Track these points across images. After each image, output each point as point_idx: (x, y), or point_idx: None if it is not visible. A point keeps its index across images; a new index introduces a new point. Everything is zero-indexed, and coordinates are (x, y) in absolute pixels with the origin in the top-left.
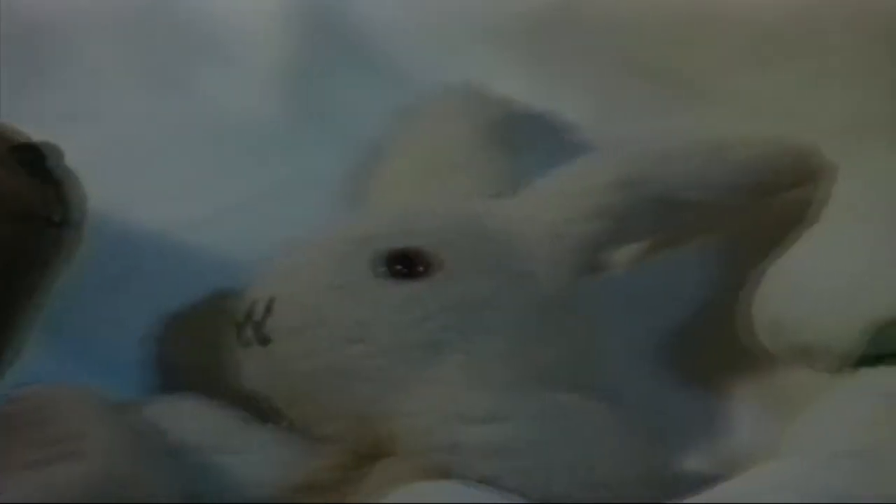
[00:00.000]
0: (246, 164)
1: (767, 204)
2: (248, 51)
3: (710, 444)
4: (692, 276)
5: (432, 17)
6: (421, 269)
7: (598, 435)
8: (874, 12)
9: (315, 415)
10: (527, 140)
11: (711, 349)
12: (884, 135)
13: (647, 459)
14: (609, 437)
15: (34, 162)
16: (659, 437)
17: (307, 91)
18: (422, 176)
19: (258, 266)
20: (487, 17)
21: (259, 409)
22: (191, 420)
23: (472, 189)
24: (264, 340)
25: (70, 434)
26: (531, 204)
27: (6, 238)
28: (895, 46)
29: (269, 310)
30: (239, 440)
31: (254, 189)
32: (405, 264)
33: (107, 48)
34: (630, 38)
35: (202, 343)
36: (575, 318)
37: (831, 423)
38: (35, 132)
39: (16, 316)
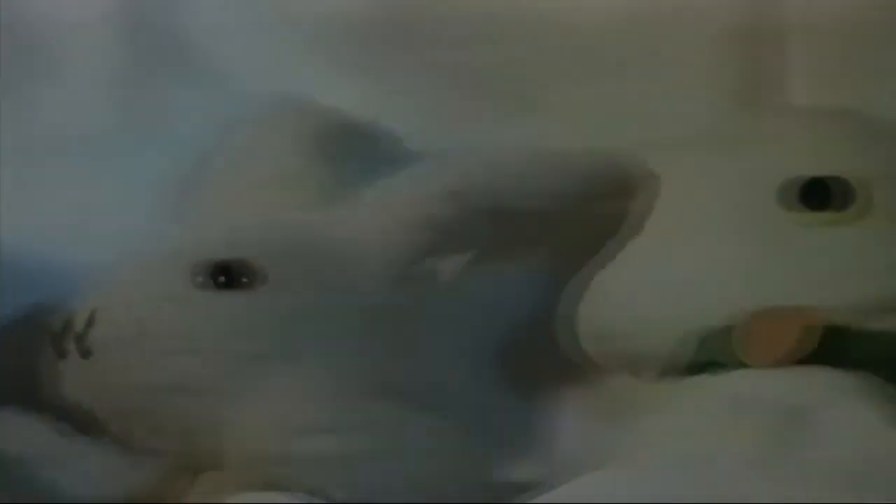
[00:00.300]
0: (75, 176)
1: (593, 213)
2: (78, 63)
3: (538, 453)
4: (519, 286)
5: (262, 27)
6: (245, 280)
7: (426, 444)
8: (705, 23)
9: (139, 427)
10: (353, 150)
11: (539, 358)
12: (711, 145)
13: (474, 468)
14: (437, 447)
15: None
16: (486, 446)
17: (137, 102)
18: (248, 187)
19: (82, 278)
20: (317, 28)
21: (81, 422)
22: (11, 433)
23: (297, 200)
24: (86, 353)
25: None
26: (359, 214)
27: None
28: (724, 58)
29: (91, 322)
30: (61, 453)
31: (81, 201)
32: (229, 276)
33: None
34: (457, 48)
35: (22, 355)
36: (402, 328)
37: (660, 431)
38: None
39: None
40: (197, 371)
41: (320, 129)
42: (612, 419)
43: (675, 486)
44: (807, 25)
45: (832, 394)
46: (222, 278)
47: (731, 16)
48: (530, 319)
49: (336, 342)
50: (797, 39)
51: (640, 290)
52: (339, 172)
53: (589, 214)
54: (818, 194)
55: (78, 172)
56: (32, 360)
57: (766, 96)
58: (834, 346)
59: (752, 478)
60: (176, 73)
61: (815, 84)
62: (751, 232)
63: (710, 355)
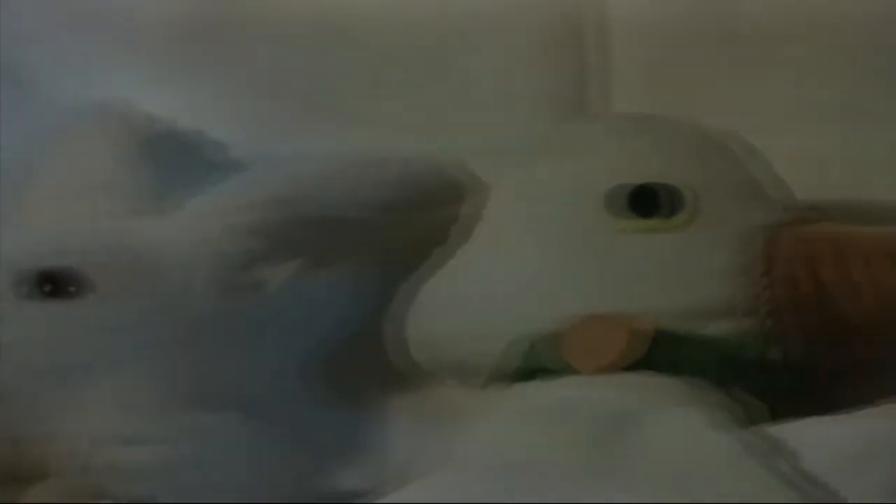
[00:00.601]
0: None
1: (422, 221)
2: None
3: (365, 460)
4: (345, 294)
5: (79, 35)
6: (72, 289)
7: (251, 453)
8: (527, 30)
9: None
10: (179, 158)
11: (366, 365)
12: (537, 153)
13: (301, 476)
14: (262, 455)
15: None
16: (313, 454)
17: None
18: (70, 196)
19: None
20: (136, 35)
21: None
22: None
23: (121, 208)
24: None
25: None
26: (184, 223)
27: None
28: (547, 64)
29: None
30: None
31: None
32: (55, 284)
33: None
34: (275, 58)
35: None
36: (227, 337)
37: (488, 437)
38: None
39: None
40: (21, 381)
41: (144, 136)
42: (441, 426)
43: (503, 490)
44: (630, 31)
45: (659, 398)
46: (48, 287)
47: (553, 21)
48: (358, 327)
49: (162, 351)
50: (621, 45)
51: (466, 298)
52: (165, 180)
53: (418, 222)
54: (646, 201)
55: None
56: None
57: (591, 103)
58: (661, 352)
59: (579, 481)
60: None
61: (640, 90)
62: (579, 239)
63: (538, 362)
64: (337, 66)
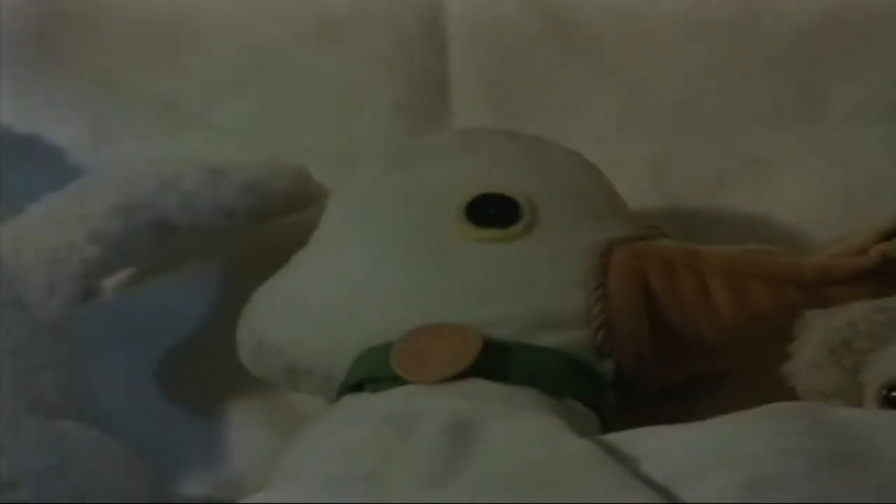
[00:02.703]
0: None
1: (264, 228)
2: None
3: (213, 470)
4: (191, 301)
5: None
6: None
7: (92, 463)
8: (372, 37)
9: None
10: (12, 162)
11: (213, 373)
12: (380, 160)
13: (143, 486)
14: (104, 465)
15: None
16: (156, 464)
17: None
18: None
19: None
20: None
21: None
22: None
23: None
24: None
25: None
26: (24, 229)
27: None
28: (391, 71)
29: None
30: None
31: None
32: None
33: None
34: (110, 59)
35: None
36: (68, 345)
37: (324, 449)
38: None
39: None
40: None
41: None
42: (289, 435)
43: (349, 500)
44: (471, 40)
45: (494, 406)
46: None
47: (398, 29)
48: (204, 333)
49: (1, 360)
50: (462, 54)
51: (300, 305)
52: (2, 187)
53: (264, 229)
54: (485, 211)
55: None
56: None
57: (433, 111)
58: (492, 362)
59: (424, 493)
60: None
61: (480, 99)
62: (417, 248)
63: (368, 372)
64: (177, 67)
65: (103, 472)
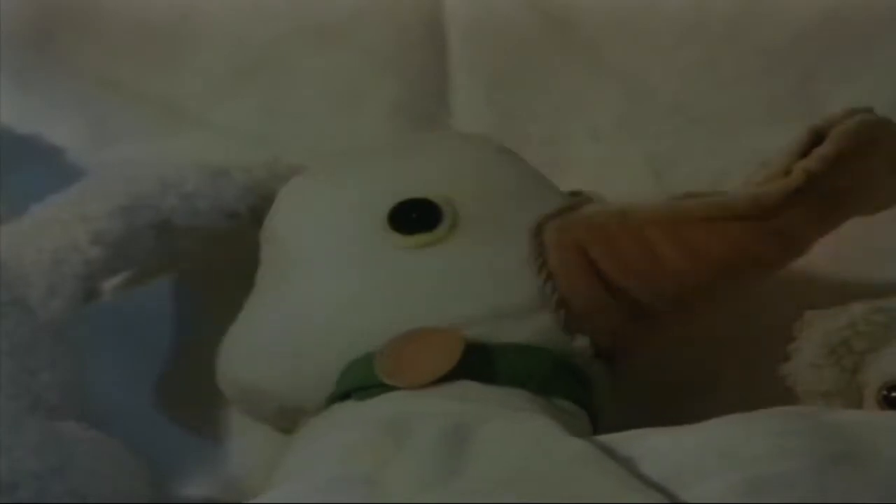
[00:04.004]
0: None
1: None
2: None
3: (212, 470)
4: (191, 301)
5: None
6: None
7: (92, 464)
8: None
9: None
10: (12, 163)
11: (213, 374)
12: (301, 181)
13: (143, 487)
14: (104, 466)
15: None
16: (156, 464)
17: None
18: None
19: None
20: None
21: None
22: None
23: None
24: None
25: None
26: (26, 230)
27: None
28: (397, 73)
29: None
30: None
31: None
32: None
33: None
34: (110, 59)
35: None
36: (69, 346)
37: (319, 452)
38: None
39: None
40: None
41: None
42: (285, 436)
43: (350, 499)
44: (471, 40)
45: (487, 408)
46: None
47: (398, 29)
48: (202, 335)
49: (2, 361)
50: (462, 54)
51: (269, 347)
52: (2, 186)
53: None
54: (408, 218)
55: None
56: None
57: (433, 111)
58: (477, 361)
59: (424, 494)
60: None
61: (480, 99)
62: (362, 261)
63: (355, 382)
64: (177, 67)
65: (103, 473)
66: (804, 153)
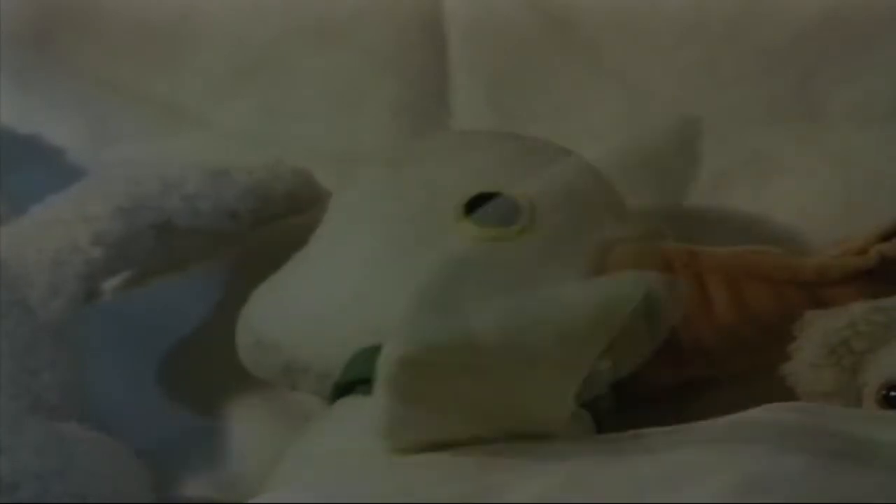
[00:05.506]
0: None
1: (265, 230)
2: None
3: (213, 470)
4: (191, 301)
5: None
6: None
7: (93, 465)
8: (371, 38)
9: None
10: (12, 163)
11: (213, 373)
12: (381, 161)
13: (143, 487)
14: (105, 466)
15: None
16: (156, 464)
17: None
18: None
19: None
20: None
21: None
22: None
23: None
24: None
25: None
26: (27, 230)
27: None
28: (397, 73)
29: None
30: None
31: None
32: None
33: None
34: (110, 59)
35: None
36: (69, 346)
37: (323, 451)
38: None
39: None
40: None
41: None
42: (285, 435)
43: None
44: (471, 40)
45: None
46: None
47: (398, 29)
48: (205, 333)
49: (3, 361)
50: (462, 54)
51: (298, 304)
52: (3, 186)
53: (265, 231)
54: (484, 210)
55: None
56: None
57: (433, 111)
58: None
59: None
60: None
61: (480, 99)
62: (415, 248)
63: (359, 374)
64: (177, 67)
65: (104, 474)
66: (886, 237)
